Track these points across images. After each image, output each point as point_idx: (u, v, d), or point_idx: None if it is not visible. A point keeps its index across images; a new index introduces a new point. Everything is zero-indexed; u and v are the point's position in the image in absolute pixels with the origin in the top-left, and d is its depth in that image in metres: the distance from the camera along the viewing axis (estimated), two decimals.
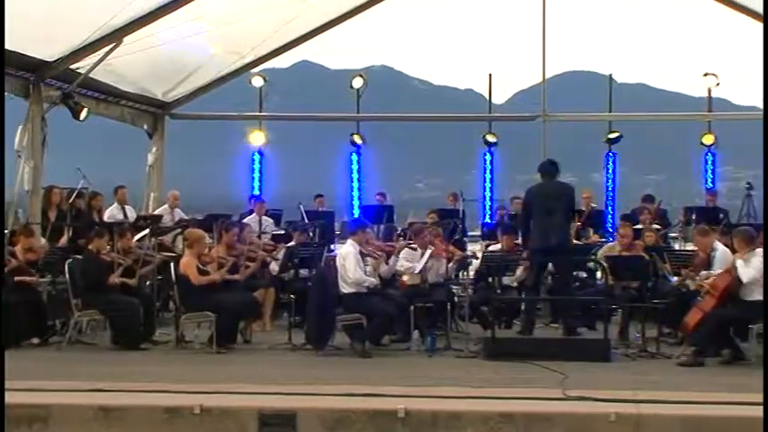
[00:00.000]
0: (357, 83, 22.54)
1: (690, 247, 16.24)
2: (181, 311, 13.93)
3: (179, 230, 16.84)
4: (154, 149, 21.33)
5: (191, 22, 17.34)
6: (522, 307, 15.85)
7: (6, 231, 15.21)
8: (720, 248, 13.57)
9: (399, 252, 15.02)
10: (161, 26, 16.55)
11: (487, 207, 22.39)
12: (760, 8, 19.31)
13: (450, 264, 15.03)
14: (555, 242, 14.66)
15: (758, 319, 12.64)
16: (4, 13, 12.65)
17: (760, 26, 19.82)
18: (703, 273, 13.65)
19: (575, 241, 16.90)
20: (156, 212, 18.96)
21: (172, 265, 14.31)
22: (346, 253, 13.92)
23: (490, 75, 23.47)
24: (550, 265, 15.17)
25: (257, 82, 22.38)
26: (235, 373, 11.73)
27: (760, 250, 13.16)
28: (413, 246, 14.90)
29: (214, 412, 9.78)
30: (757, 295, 12.76)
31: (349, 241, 14.21)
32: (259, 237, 17.19)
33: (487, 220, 21.65)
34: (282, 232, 18.14)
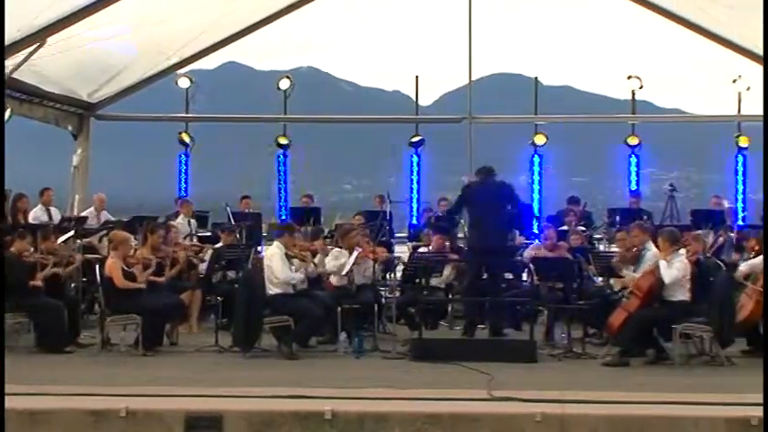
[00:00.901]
0: (284, 84, 22.49)
1: (614, 248, 16.39)
2: (106, 314, 13.80)
3: (105, 232, 16.68)
4: (79, 151, 21.11)
5: (116, 22, 17.18)
6: (449, 308, 15.94)
7: None
8: (653, 249, 13.70)
9: (326, 253, 15.00)
10: (86, 26, 16.36)
11: (414, 209, 22.42)
12: (683, 13, 19.58)
13: (377, 265, 15.04)
14: (492, 243, 14.74)
15: (681, 319, 12.83)
16: (4, 13, 12.55)
17: (682, 30, 20.08)
18: (625, 272, 13.81)
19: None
20: (82, 215, 18.75)
21: (97, 267, 14.18)
22: (272, 254, 13.91)
23: (417, 76, 23.58)
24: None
25: (183, 83, 22.24)
26: (161, 376, 11.66)
27: (683, 251, 13.37)
28: (339, 248, 14.89)
29: (140, 415, 9.70)
30: (680, 296, 12.96)
31: (275, 243, 14.19)
32: (191, 238, 17.12)
33: (414, 221, 21.69)
34: (209, 234, 18.05)
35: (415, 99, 23.55)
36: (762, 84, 13.71)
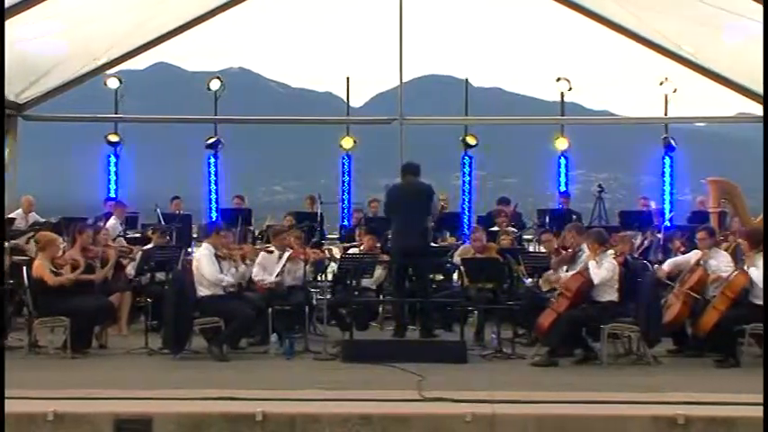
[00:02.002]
0: (214, 85, 22.41)
1: (544, 249, 16.50)
2: (34, 316, 13.64)
3: (32, 234, 16.47)
4: (6, 152, 20.81)
5: (44, 21, 16.98)
6: (380, 309, 15.96)
7: None
8: (587, 252, 13.80)
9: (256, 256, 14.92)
10: (13, 25, 16.13)
11: (346, 210, 22.43)
12: (612, 16, 19.76)
13: (308, 266, 15.01)
14: (414, 243, 14.74)
15: (609, 319, 12.95)
16: (4, 12, 12.49)
17: (611, 32, 20.25)
18: (561, 272, 13.90)
19: (432, 244, 17.00)
20: (9, 216, 18.50)
21: (24, 268, 14.00)
22: (201, 255, 13.84)
23: (348, 78, 23.61)
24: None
25: (113, 83, 22.06)
26: (90, 378, 11.54)
27: (611, 251, 13.48)
28: (270, 249, 14.84)
29: (68, 418, 9.60)
30: (608, 296, 13.08)
31: (204, 244, 14.12)
32: (126, 240, 16.99)
33: (346, 222, 21.70)
34: (139, 235, 17.92)
35: (346, 100, 23.58)
36: (762, 84, 13.67)
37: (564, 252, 14.17)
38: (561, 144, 22.68)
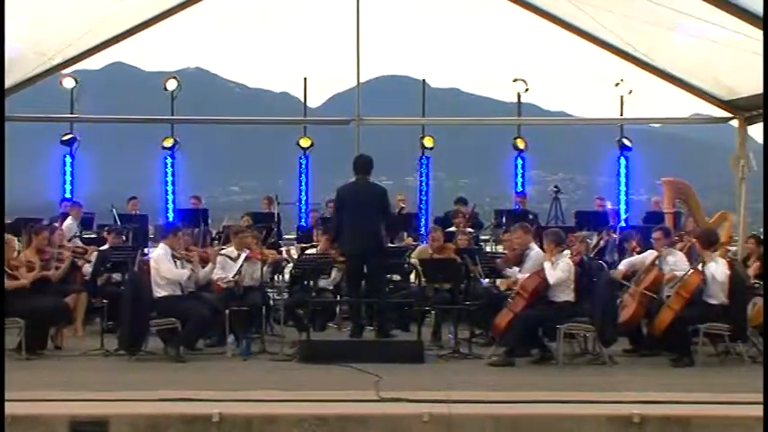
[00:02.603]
0: (171, 85, 22.32)
1: (501, 249, 16.58)
2: None
3: None
4: None
5: None
6: (338, 310, 15.95)
7: None
8: (536, 249, 13.88)
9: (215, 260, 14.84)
10: None
11: (303, 210, 22.41)
12: (568, 17, 19.83)
13: (266, 267, 14.98)
14: (366, 244, 14.74)
15: (565, 319, 13.01)
16: (4, 13, 12.30)
17: (568, 34, 20.34)
18: (509, 272, 13.95)
19: (390, 244, 17.01)
20: None
21: None
22: (158, 256, 13.78)
23: (305, 78, 23.56)
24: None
25: (68, 83, 21.92)
26: (45, 380, 11.45)
27: (567, 252, 13.55)
28: (227, 255, 14.74)
29: (23, 420, 9.52)
30: (564, 296, 13.14)
31: (161, 244, 14.05)
32: (82, 240, 16.87)
33: (303, 223, 21.68)
34: (94, 236, 17.82)
35: (303, 101, 23.55)
36: (762, 80, 13.70)
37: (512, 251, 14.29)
38: (518, 144, 22.76)
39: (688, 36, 18.28)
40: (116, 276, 15.40)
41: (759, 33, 15.35)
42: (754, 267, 14.92)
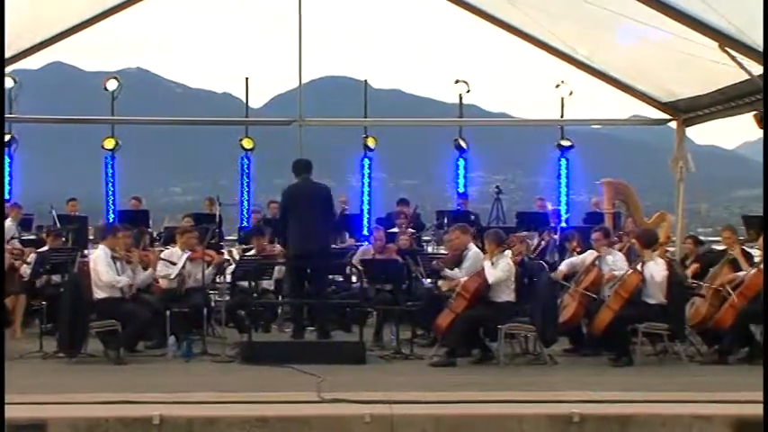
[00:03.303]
0: (111, 85, 22.17)
1: (443, 250, 16.62)
2: None
3: None
4: None
5: None
6: (279, 311, 15.93)
7: None
8: (474, 249, 13.93)
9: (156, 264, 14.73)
10: None
11: (245, 211, 22.34)
12: (510, 19, 19.93)
13: (209, 269, 14.92)
14: (314, 245, 14.73)
15: (506, 319, 13.07)
16: (4, 13, 12.07)
17: (509, 36, 20.44)
18: (448, 272, 13.98)
19: (332, 245, 16.98)
20: None
21: None
22: (97, 257, 13.67)
23: (247, 78, 23.45)
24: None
25: (6, 83, 21.69)
26: None
27: (508, 252, 13.61)
28: (167, 259, 14.64)
29: None
30: (505, 296, 13.20)
31: (101, 245, 13.94)
32: (21, 242, 16.71)
33: (245, 224, 21.61)
34: (33, 237, 17.65)
35: (245, 101, 23.47)
36: (763, 80, 13.79)
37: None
38: (460, 145, 22.83)
39: (628, 39, 18.44)
40: (55, 278, 15.27)
41: (698, 36, 15.53)
42: (692, 268, 15.08)
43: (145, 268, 14.26)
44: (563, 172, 22.68)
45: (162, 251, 15.03)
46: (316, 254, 14.75)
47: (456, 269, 13.92)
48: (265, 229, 17.27)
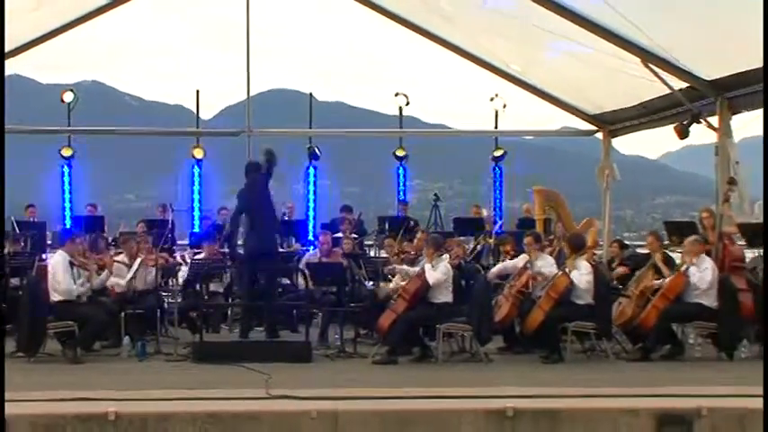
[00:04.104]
0: (68, 97, 21.98)
1: (383, 254, 16.63)
2: None
3: None
4: None
5: None
6: (229, 312, 15.88)
7: None
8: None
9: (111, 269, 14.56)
10: None
11: (196, 217, 22.21)
12: (446, 35, 20.00)
13: (159, 271, 14.82)
14: (265, 248, 14.73)
15: (444, 319, 13.12)
16: (4, 13, 11.74)
17: (447, 52, 20.51)
18: (398, 267, 14.05)
19: (279, 249, 16.93)
20: None
21: None
22: (56, 262, 13.55)
23: (198, 91, 23.33)
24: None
25: None
26: None
27: (446, 256, 13.65)
28: (122, 262, 14.52)
29: None
30: (443, 297, 13.25)
31: (59, 251, 13.82)
32: None
33: (196, 229, 21.47)
34: None
35: (196, 113, 23.36)
36: (766, 83, 13.84)
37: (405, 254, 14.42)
38: (400, 155, 22.86)
39: (557, 54, 18.59)
40: (14, 281, 15.10)
41: (622, 53, 15.69)
42: (617, 271, 15.20)
43: (100, 272, 14.16)
44: (497, 180, 22.78)
45: (117, 254, 14.90)
46: (267, 256, 14.75)
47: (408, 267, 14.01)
48: (216, 235, 17.23)
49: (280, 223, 16.07)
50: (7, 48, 19.65)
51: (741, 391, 10.42)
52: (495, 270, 14.69)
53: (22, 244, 16.60)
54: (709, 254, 13.67)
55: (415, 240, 15.01)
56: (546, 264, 13.90)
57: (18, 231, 17.61)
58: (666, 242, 14.84)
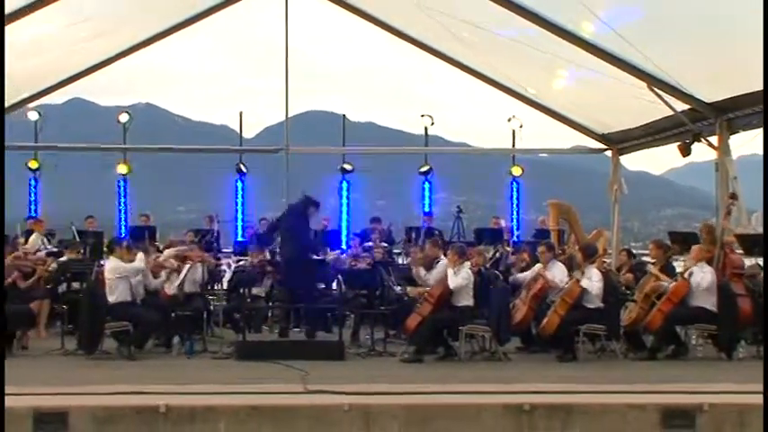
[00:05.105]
0: (123, 118, 22.14)
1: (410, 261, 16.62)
2: None
3: None
4: None
5: None
6: (270, 314, 15.92)
7: None
8: (444, 260, 13.92)
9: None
10: None
11: (239, 227, 22.28)
12: (467, 61, 19.99)
13: (206, 275, 14.87)
14: (301, 257, 14.78)
15: (466, 321, 13.09)
16: (4, 13, 11.57)
17: (467, 76, 20.50)
18: (419, 273, 14.00)
19: (314, 256, 16.90)
20: None
21: None
22: (114, 264, 13.59)
23: (241, 113, 23.47)
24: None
25: (33, 116, 21.59)
26: (12, 376, 11.18)
27: (468, 263, 13.62)
28: (170, 266, 14.54)
29: None
30: (465, 301, 13.23)
31: (111, 257, 13.84)
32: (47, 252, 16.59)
33: (240, 238, 21.53)
34: (56, 249, 17.52)
35: (239, 132, 23.46)
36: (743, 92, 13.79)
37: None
38: (425, 171, 22.87)
39: (570, 81, 18.58)
40: (75, 285, 15.19)
41: (630, 78, 15.66)
42: (626, 277, 15.13)
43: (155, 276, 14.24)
44: (514, 194, 22.73)
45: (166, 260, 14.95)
46: (302, 264, 14.80)
47: (426, 272, 13.98)
48: (258, 243, 17.27)
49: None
50: (69, 74, 19.89)
51: (740, 388, 10.36)
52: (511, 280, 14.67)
53: (82, 251, 16.68)
54: (710, 261, 13.62)
55: (427, 247, 14.98)
56: (557, 271, 13.86)
57: (78, 240, 17.71)
58: (671, 251, 14.75)
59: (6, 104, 20.21)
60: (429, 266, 14.15)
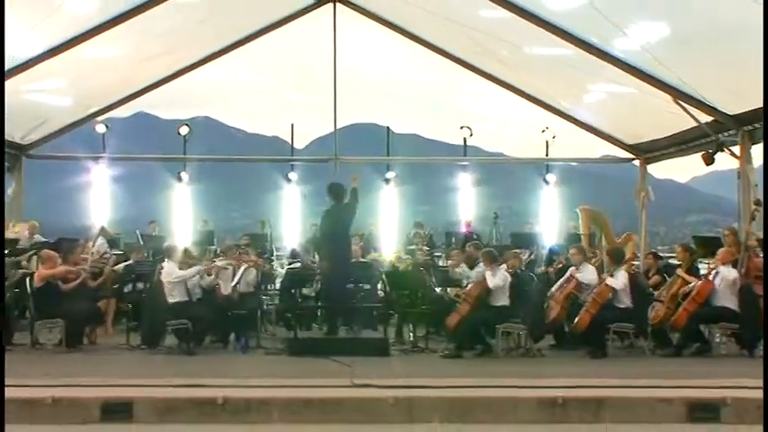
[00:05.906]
0: (183, 130, 22.26)
1: (450, 263, 16.57)
2: (35, 318, 13.47)
3: (33, 252, 16.20)
4: (13, 184, 20.49)
5: (51, 76, 16.80)
6: (319, 313, 15.96)
7: None
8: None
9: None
10: (23, 79, 15.81)
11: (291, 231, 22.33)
12: (504, 76, 19.93)
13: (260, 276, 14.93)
14: (348, 259, 14.78)
15: (502, 320, 13.07)
16: (4, 14, 11.40)
17: (503, 90, 20.45)
18: (457, 270, 14.06)
19: (361, 259, 16.93)
20: (12, 237, 18.07)
21: (27, 279, 13.80)
22: (170, 268, 13.71)
23: (292, 125, 23.53)
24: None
25: (100, 129, 21.78)
26: (81, 370, 11.37)
27: (504, 265, 13.59)
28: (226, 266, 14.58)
29: (64, 402, 9.47)
30: (502, 301, 13.20)
31: (167, 260, 13.95)
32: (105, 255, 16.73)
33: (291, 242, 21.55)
34: (121, 252, 17.68)
35: (290, 143, 23.54)
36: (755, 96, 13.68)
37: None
38: (465, 179, 22.85)
39: (600, 93, 18.50)
40: (139, 285, 15.33)
41: (656, 91, 15.58)
42: (653, 279, 15.04)
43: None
44: (548, 200, 22.61)
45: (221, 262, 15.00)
46: (350, 267, 14.81)
47: (469, 270, 14.12)
48: (308, 248, 17.30)
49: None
50: (133, 90, 20.07)
51: (761, 383, 10.22)
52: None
53: (145, 254, 16.82)
54: (735, 264, 13.49)
55: (471, 249, 15.03)
56: (588, 272, 13.79)
57: (142, 243, 17.86)
58: (695, 254, 14.62)
59: (76, 118, 20.51)
60: (472, 265, 14.26)
